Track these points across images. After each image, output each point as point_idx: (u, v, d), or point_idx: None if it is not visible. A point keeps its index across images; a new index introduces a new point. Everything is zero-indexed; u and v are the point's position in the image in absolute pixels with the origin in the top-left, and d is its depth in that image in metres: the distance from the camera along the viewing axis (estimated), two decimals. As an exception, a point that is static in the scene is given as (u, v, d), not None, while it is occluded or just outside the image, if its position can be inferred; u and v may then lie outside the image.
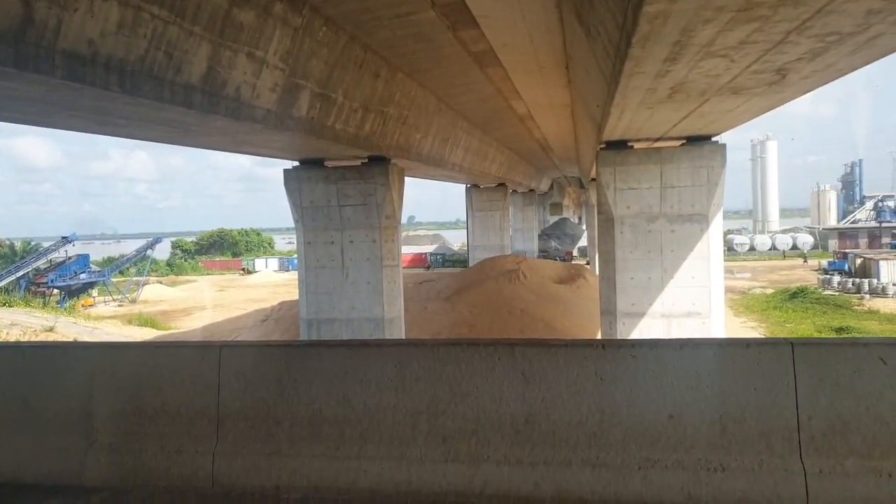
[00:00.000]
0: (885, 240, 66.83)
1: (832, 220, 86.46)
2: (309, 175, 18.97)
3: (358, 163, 18.68)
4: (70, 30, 7.20)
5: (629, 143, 17.57)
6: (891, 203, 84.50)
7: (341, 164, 18.95)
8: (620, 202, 17.58)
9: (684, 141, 17.45)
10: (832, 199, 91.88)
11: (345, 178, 18.72)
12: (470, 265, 42.58)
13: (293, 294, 46.36)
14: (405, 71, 16.87)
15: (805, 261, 61.13)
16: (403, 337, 19.57)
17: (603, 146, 17.86)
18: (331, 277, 18.92)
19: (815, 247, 70.41)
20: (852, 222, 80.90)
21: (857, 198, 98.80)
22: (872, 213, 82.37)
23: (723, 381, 3.82)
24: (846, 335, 26.04)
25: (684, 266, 17.40)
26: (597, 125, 16.86)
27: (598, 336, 21.47)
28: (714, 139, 17.27)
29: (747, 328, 28.13)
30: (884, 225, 71.60)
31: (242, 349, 4.46)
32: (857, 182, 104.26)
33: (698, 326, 17.39)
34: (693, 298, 17.38)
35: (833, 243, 69.30)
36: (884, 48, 7.18)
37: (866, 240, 67.87)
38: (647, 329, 17.62)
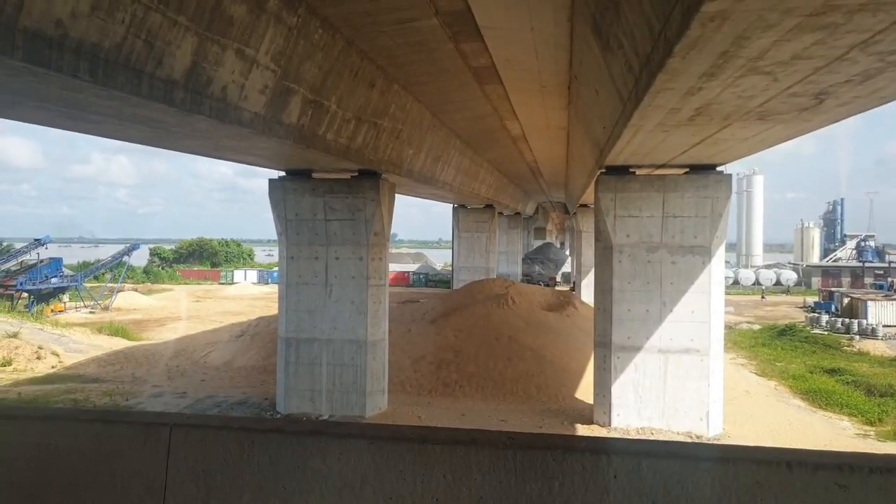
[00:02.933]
0: (868, 279, 67.28)
1: (815, 258, 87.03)
2: (295, 186, 18.08)
3: (347, 176, 17.84)
4: (35, 6, 6.31)
5: (631, 169, 16.96)
6: (872, 243, 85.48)
7: (330, 176, 18.10)
8: (620, 230, 16.90)
9: (687, 169, 16.88)
10: (815, 237, 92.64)
11: (333, 192, 17.86)
12: (454, 286, 41.72)
13: (271, 308, 45.07)
14: (402, 83, 16.14)
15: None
16: (386, 360, 18.60)
17: (603, 171, 17.22)
18: (313, 294, 17.94)
19: (798, 283, 70.63)
20: (834, 260, 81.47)
21: (839, 236, 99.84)
22: (854, 252, 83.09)
23: None
24: (838, 377, 25.53)
25: (684, 300, 16.71)
26: (599, 149, 16.22)
27: (591, 368, 20.67)
28: (719, 169, 16.73)
29: (737, 364, 27.51)
30: (867, 265, 72.11)
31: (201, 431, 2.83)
32: (839, 220, 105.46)
33: (696, 364, 16.67)
34: (692, 334, 16.67)
35: (816, 281, 69.61)
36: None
37: (849, 279, 68.25)
38: (642, 364, 16.87)
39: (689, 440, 16.30)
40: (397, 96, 16.35)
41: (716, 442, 16.23)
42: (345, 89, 13.36)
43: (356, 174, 17.72)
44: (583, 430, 16.91)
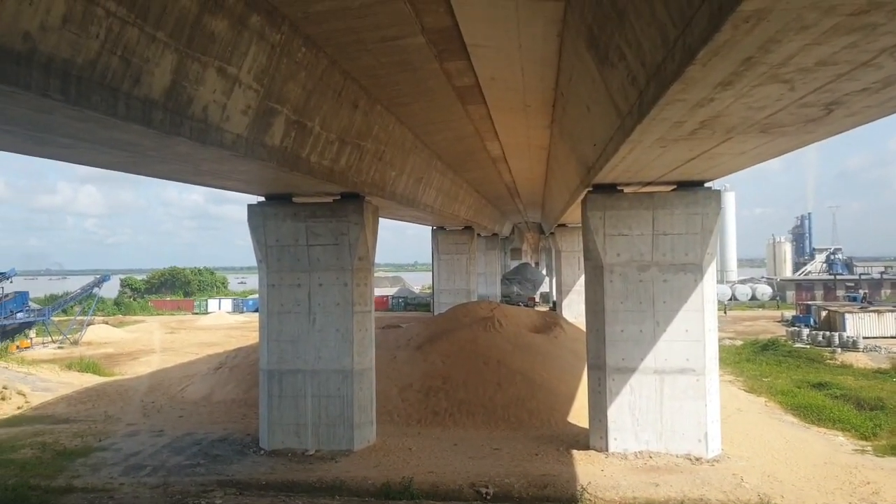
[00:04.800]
0: (840, 292, 68.47)
1: (787, 272, 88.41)
2: (275, 212, 17.49)
3: (330, 199, 17.31)
4: (0, 17, 5.77)
5: (619, 187, 16.75)
6: (840, 256, 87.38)
7: (311, 200, 17.55)
8: (610, 249, 16.61)
9: (675, 186, 16.73)
10: (787, 251, 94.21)
11: (315, 216, 17.30)
12: (435, 309, 41.18)
13: (249, 338, 43.93)
14: (385, 103, 15.76)
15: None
16: (373, 390, 17.92)
17: (590, 189, 16.99)
18: (296, 323, 17.25)
19: (773, 297, 71.53)
20: (805, 274, 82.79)
21: (808, 250, 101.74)
22: (824, 265, 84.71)
23: None
24: (826, 391, 25.44)
25: (678, 318, 16.42)
26: (586, 167, 15.97)
27: (582, 391, 20.22)
28: (707, 185, 16.60)
29: (725, 381, 27.27)
30: (838, 277, 73.53)
31: None
32: (807, 234, 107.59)
33: (692, 384, 16.32)
34: (687, 353, 16.35)
35: (791, 294, 70.59)
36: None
37: (822, 291, 69.38)
38: (638, 386, 16.48)
39: (688, 462, 15.91)
40: (380, 117, 15.97)
41: (715, 463, 15.85)
42: (328, 110, 12.92)
43: (338, 197, 17.21)
44: (579, 455, 16.39)
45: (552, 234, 46.37)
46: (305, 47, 10.97)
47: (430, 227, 42.12)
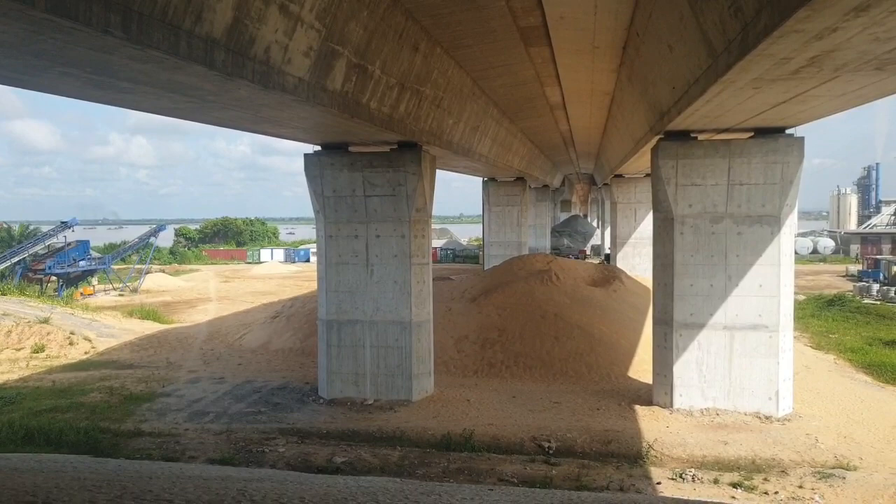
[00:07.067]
0: (908, 246, 65.05)
1: (852, 225, 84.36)
2: (332, 161, 17.13)
3: (387, 149, 16.83)
4: (58, -53, 5.35)
5: (692, 135, 15.73)
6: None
7: (368, 149, 17.10)
8: (682, 200, 15.72)
9: (752, 133, 15.62)
10: (853, 203, 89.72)
11: (372, 166, 16.88)
12: (485, 261, 40.79)
13: (302, 288, 44.62)
14: (445, 45, 15.00)
15: None
16: (431, 341, 17.75)
17: (661, 137, 16.01)
18: (354, 274, 17.09)
19: (836, 251, 68.50)
20: (870, 227, 78.82)
21: (873, 202, 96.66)
22: (893, 218, 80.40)
23: None
24: (899, 348, 24.17)
25: (751, 273, 15.55)
26: (659, 113, 14.99)
27: (643, 346, 19.66)
28: (788, 132, 15.42)
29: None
30: (907, 230, 69.84)
31: None
32: (874, 186, 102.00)
33: (764, 341, 15.56)
34: (760, 309, 15.54)
35: (854, 248, 67.39)
36: None
37: (889, 245, 65.93)
38: (706, 342, 15.81)
39: (757, 420, 15.31)
40: (440, 61, 15.24)
41: (786, 422, 15.21)
42: (389, 52, 12.30)
43: (395, 147, 16.71)
44: (642, 411, 15.97)
45: (606, 184, 44.96)
46: (367, -17, 10.32)
47: (481, 179, 41.33)
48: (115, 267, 55.28)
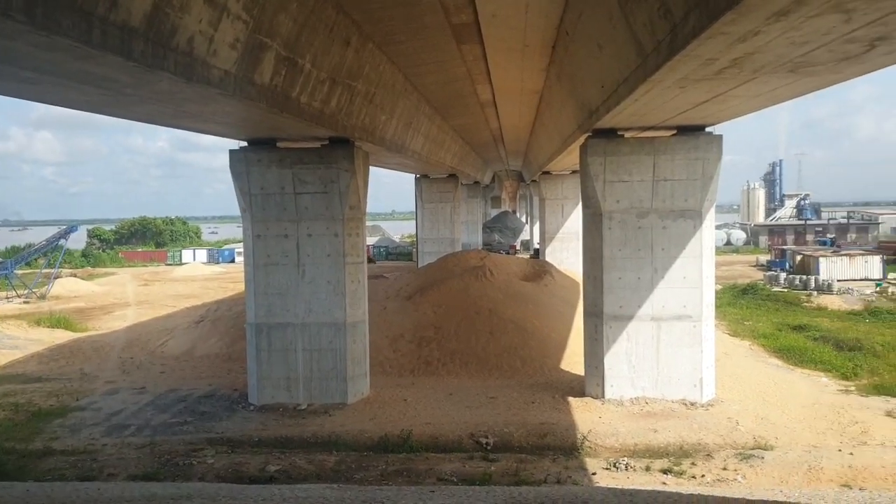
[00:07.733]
0: (810, 237, 69.92)
1: (760, 217, 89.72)
2: (259, 157, 16.54)
3: (317, 145, 16.41)
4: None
5: (619, 133, 16.16)
6: (808, 201, 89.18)
7: (297, 145, 16.62)
8: (610, 196, 16.13)
9: (675, 131, 16.21)
10: (761, 197, 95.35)
11: (302, 162, 16.42)
12: (419, 258, 40.72)
13: (227, 290, 43.03)
14: (377, 41, 14.76)
15: None
16: (367, 342, 17.48)
17: (590, 135, 16.37)
18: (284, 275, 16.59)
19: (747, 242, 72.73)
20: (775, 219, 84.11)
21: (777, 196, 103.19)
22: (794, 210, 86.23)
23: None
24: (805, 333, 25.85)
25: (676, 265, 16.16)
26: (588, 111, 15.31)
27: (574, 338, 20.10)
28: (708, 129, 16.10)
29: (709, 327, 27.42)
30: (808, 223, 75.02)
31: None
32: (778, 181, 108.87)
33: (689, 330, 16.21)
34: (684, 300, 16.18)
35: (763, 239, 71.80)
36: None
37: (793, 236, 70.69)
38: (635, 333, 16.32)
39: (683, 407, 15.95)
40: (372, 56, 14.99)
41: (710, 407, 15.91)
42: (319, 46, 11.96)
43: (327, 143, 16.33)
44: (576, 402, 16.31)
45: (534, 181, 45.78)
46: (296, -26, 9.97)
47: (414, 176, 41.20)
48: (20, 272, 51.54)
